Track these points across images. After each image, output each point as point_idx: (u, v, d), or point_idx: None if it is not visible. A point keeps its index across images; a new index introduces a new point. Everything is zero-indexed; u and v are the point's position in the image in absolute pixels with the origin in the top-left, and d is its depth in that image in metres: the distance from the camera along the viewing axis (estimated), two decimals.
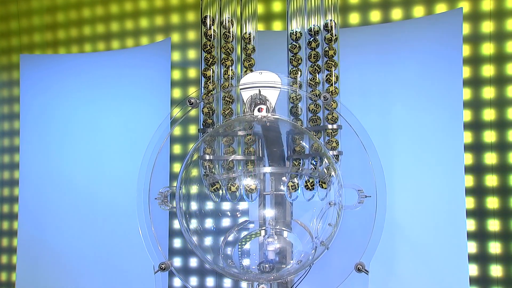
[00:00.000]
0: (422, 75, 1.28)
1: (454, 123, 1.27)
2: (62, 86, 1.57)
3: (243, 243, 0.98)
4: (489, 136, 1.34)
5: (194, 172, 1.00)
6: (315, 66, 1.02)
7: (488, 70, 1.33)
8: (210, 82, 1.04)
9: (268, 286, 0.93)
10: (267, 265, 0.93)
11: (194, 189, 1.00)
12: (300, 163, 1.00)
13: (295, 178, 0.96)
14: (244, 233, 0.98)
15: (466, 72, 1.34)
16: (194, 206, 0.99)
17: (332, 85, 1.01)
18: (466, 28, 1.34)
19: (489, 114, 1.34)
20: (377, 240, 0.94)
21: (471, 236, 1.33)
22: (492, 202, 1.33)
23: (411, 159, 1.28)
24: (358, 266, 0.93)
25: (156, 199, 0.99)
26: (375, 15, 1.41)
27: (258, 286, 0.93)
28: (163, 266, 0.97)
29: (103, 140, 1.54)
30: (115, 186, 1.50)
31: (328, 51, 1.02)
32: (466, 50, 1.34)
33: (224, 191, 0.99)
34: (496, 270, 1.33)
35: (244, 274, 0.93)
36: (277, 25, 1.48)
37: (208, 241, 0.99)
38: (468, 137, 1.34)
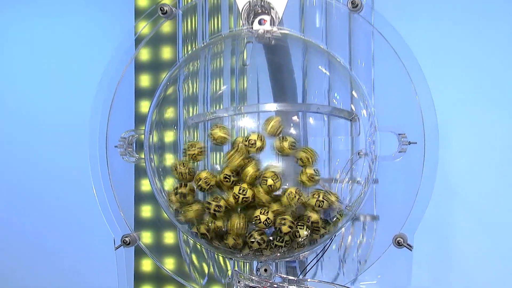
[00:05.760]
0: None
1: None
2: None
3: None
4: None
5: (170, 112, 1.00)
6: None
7: None
8: None
9: (273, 267, 0.95)
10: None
11: (169, 136, 1.00)
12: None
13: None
14: None
15: None
16: (170, 159, 0.99)
17: None
18: None
19: None
20: (424, 204, 0.94)
21: None
22: None
23: (474, 92, 1.30)
24: (398, 239, 0.94)
25: (117, 147, 0.99)
26: None
27: (260, 268, 0.94)
28: (126, 239, 0.98)
29: (42, 67, 1.57)
30: (59, 129, 1.53)
31: None
32: None
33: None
34: None
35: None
36: None
37: None
38: None
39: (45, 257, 1.57)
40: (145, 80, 1.36)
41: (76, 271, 1.54)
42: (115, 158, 1.00)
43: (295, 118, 0.97)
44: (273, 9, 0.95)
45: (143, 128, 0.99)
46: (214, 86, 1.02)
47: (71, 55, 1.55)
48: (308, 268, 1.01)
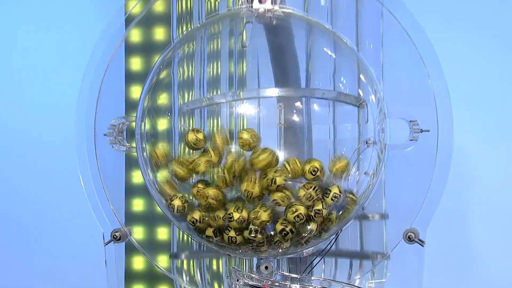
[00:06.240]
0: None
1: None
2: None
3: None
4: None
5: (163, 98, 0.99)
6: None
7: None
8: None
9: (274, 264, 0.94)
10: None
11: (163, 124, 0.99)
12: None
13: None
14: None
15: None
16: (163, 148, 0.97)
17: None
18: None
19: None
20: (437, 197, 0.94)
21: None
22: None
23: (492, 76, 1.30)
24: (409, 234, 0.93)
25: (106, 135, 0.98)
26: None
27: (260, 265, 0.94)
28: (117, 234, 0.97)
29: (25, 49, 1.57)
30: (43, 116, 1.52)
31: None
32: None
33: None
34: None
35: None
36: None
37: None
38: None
39: (29, 252, 1.56)
40: (136, 63, 1.35)
41: (62, 268, 1.53)
42: (104, 147, 0.99)
43: (298, 104, 0.96)
44: None
45: (134, 115, 0.97)
46: (211, 69, 1.01)
47: (56, 36, 1.54)
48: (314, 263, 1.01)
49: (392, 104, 0.94)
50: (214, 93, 1.01)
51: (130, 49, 1.33)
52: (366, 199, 0.94)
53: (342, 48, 0.98)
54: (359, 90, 0.96)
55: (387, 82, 1.00)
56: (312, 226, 0.88)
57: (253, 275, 0.92)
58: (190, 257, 1.14)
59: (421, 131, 0.94)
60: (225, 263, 1.12)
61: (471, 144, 1.30)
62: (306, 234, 0.89)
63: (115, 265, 1.00)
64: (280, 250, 0.91)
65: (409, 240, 0.93)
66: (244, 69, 1.03)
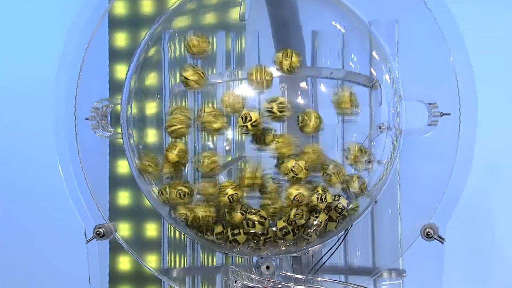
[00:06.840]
0: None
1: None
2: None
3: None
4: None
5: (152, 78, 0.98)
6: None
7: None
8: None
9: (275, 264, 0.93)
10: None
11: (151, 107, 0.99)
12: None
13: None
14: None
15: None
16: (152, 134, 0.98)
17: None
18: None
19: None
20: (459, 189, 0.93)
21: None
22: None
23: None
24: (428, 230, 0.92)
25: (88, 119, 0.97)
26: None
27: (261, 265, 0.93)
28: (100, 231, 0.96)
29: None
30: (18, 98, 1.51)
31: None
32: None
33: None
34: None
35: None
36: None
37: None
38: None
39: (2, 251, 1.55)
40: (121, 39, 1.35)
41: (39, 267, 1.52)
42: (86, 133, 0.98)
43: (303, 84, 0.95)
44: None
45: (120, 97, 0.96)
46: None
47: (31, 8, 1.52)
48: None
49: (409, 85, 0.93)
50: (210, 72, 0.99)
51: (114, 23, 1.32)
52: (379, 191, 0.93)
53: (352, 21, 0.97)
54: (372, 69, 0.95)
55: (403, 60, 0.99)
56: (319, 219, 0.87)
57: (252, 276, 0.91)
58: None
59: (441, 114, 0.92)
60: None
61: (497, 129, 1.28)
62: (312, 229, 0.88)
63: (98, 264, 0.99)
64: (283, 248, 0.91)
65: (428, 236, 0.92)
66: (243, 46, 1.02)
